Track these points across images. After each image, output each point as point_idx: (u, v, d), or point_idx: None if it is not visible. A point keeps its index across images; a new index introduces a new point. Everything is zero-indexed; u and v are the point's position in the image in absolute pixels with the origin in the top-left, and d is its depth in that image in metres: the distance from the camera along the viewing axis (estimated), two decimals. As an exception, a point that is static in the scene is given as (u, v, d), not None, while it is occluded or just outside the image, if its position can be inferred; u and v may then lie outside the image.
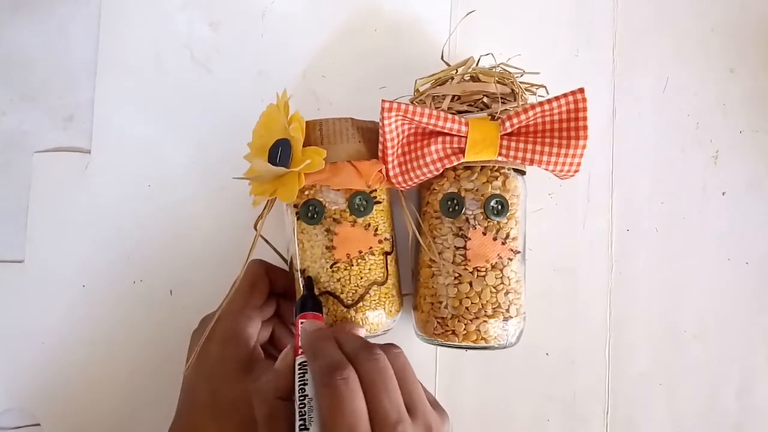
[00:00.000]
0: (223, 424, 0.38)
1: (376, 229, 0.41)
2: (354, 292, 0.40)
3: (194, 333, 0.43)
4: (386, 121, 0.38)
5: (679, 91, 0.50)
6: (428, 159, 0.39)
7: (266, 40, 0.50)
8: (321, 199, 0.40)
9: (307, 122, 0.40)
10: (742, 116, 0.49)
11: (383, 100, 0.38)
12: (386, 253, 0.41)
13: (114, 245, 0.48)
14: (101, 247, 0.48)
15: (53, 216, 0.49)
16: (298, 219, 0.41)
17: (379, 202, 0.41)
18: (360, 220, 0.40)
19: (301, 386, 0.34)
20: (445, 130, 0.39)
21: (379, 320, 0.41)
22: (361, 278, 0.40)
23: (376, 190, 0.41)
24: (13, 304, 0.48)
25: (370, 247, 0.40)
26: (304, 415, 0.33)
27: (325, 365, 0.33)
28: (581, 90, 0.37)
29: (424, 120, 0.38)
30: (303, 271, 0.41)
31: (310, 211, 0.40)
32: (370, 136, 0.41)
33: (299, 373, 0.34)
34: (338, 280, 0.40)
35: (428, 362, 0.48)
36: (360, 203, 0.40)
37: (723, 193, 0.49)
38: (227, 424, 0.38)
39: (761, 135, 0.49)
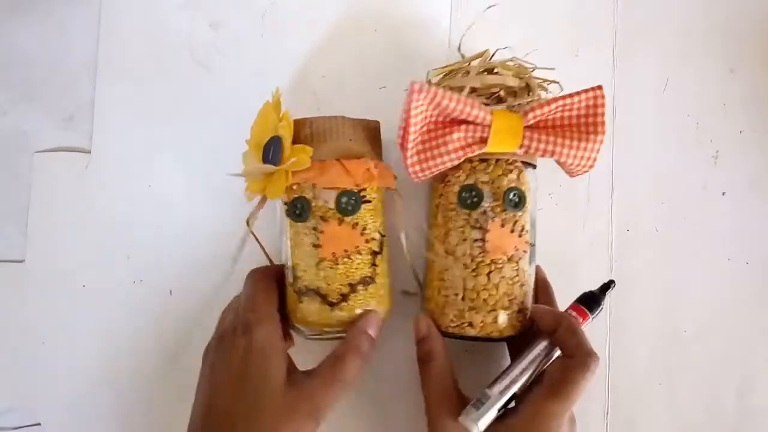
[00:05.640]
0: None
1: (364, 228, 0.40)
2: (338, 291, 0.40)
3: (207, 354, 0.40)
4: (414, 104, 0.37)
5: (679, 91, 0.50)
6: (450, 147, 0.39)
7: (266, 40, 0.50)
8: (308, 197, 0.40)
9: (297, 120, 0.40)
10: (742, 116, 0.49)
11: (413, 82, 0.37)
12: (374, 253, 0.41)
13: (114, 245, 0.48)
14: (101, 246, 0.48)
15: (53, 216, 0.48)
16: (288, 216, 0.41)
17: (369, 201, 0.41)
18: (347, 219, 0.40)
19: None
20: (470, 118, 0.38)
21: None
22: (347, 277, 0.40)
23: (365, 189, 0.40)
24: (13, 304, 0.48)
25: (357, 246, 0.40)
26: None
27: (590, 357, 0.38)
28: (599, 87, 0.38)
29: (452, 104, 0.37)
30: (293, 267, 0.41)
31: (297, 209, 0.40)
32: (362, 134, 0.41)
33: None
34: (324, 278, 0.40)
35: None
36: (347, 202, 0.39)
37: (723, 193, 0.49)
38: None
39: (761, 135, 0.49)
